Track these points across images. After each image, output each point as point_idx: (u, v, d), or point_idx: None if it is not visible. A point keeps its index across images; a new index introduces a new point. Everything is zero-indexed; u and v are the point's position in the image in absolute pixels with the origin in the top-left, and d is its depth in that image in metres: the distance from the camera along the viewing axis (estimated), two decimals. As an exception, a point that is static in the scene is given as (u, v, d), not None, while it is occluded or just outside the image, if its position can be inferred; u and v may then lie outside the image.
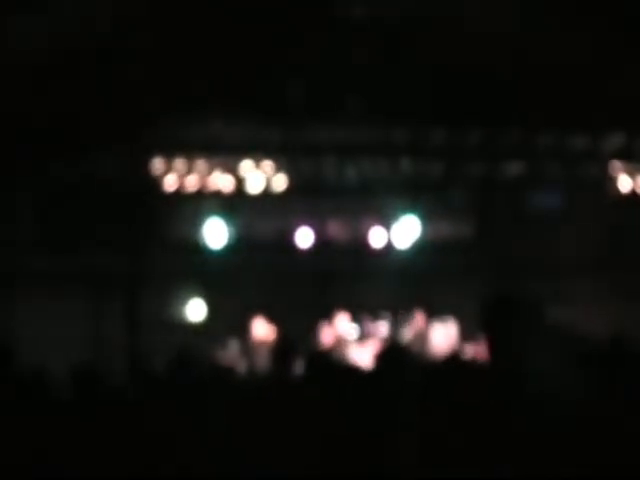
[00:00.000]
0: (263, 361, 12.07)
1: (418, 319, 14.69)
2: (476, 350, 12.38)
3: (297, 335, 11.16)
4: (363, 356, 12.11)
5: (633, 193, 15.48)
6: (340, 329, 14.55)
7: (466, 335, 14.16)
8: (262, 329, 13.89)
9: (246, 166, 14.19)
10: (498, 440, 2.46)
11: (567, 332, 3.13)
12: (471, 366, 5.13)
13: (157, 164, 13.56)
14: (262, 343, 13.54)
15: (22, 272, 15.68)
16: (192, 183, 14.01)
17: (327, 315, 16.74)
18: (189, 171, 13.79)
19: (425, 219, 17.78)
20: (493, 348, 2.56)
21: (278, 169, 14.32)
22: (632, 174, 15.40)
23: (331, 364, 3.72)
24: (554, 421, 2.39)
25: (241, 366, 12.44)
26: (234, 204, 16.81)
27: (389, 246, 17.63)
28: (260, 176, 14.27)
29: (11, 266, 15.69)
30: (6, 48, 11.73)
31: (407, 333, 14.42)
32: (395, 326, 14.94)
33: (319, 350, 8.88)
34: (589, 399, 2.62)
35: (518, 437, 2.42)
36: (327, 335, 14.36)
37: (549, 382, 2.45)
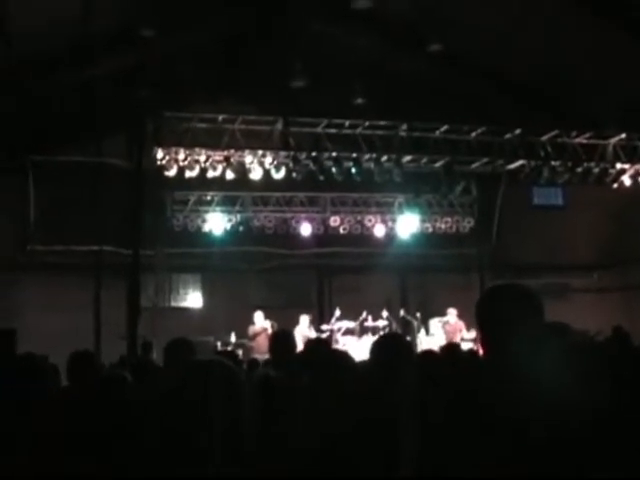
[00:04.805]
0: (261, 352, 12.03)
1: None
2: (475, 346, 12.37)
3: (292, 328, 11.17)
4: (360, 350, 12.09)
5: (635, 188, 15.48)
6: (335, 323, 14.55)
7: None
8: (260, 321, 13.90)
9: (248, 158, 14.13)
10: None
11: (567, 329, 3.09)
12: (467, 355, 5.15)
13: (159, 154, 13.50)
14: (260, 335, 13.54)
15: (25, 260, 15.71)
16: (194, 174, 13.93)
17: (325, 309, 16.72)
18: (191, 162, 13.72)
19: (426, 213, 17.78)
20: (489, 335, 2.52)
21: (280, 162, 14.26)
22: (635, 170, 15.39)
23: (329, 351, 3.73)
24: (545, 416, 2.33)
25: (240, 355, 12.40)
26: (236, 196, 16.81)
27: (390, 240, 17.63)
28: (262, 168, 14.19)
29: (15, 254, 15.74)
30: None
31: (421, 338, 14.46)
32: (395, 323, 14.93)
33: (317, 338, 8.88)
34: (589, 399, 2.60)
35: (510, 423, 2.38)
36: (321, 329, 14.39)
37: (548, 378, 2.40)
